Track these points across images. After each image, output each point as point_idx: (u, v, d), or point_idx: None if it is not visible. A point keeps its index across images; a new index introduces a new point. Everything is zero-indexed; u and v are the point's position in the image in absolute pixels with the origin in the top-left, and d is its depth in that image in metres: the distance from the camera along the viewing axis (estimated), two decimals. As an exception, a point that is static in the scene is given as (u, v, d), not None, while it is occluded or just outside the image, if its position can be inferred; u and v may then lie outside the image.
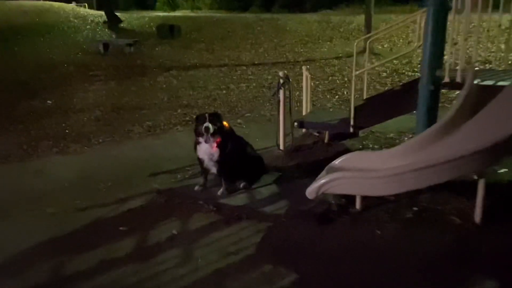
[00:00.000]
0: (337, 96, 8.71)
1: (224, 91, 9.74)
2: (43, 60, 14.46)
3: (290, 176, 4.72)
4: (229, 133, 4.28)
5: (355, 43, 5.10)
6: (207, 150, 4.17)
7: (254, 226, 3.65)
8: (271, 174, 4.71)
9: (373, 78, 10.08)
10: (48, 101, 9.24)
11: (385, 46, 14.08)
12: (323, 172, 4.12)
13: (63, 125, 7.43)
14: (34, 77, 11.81)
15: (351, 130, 5.09)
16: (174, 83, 10.96)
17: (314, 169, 4.92)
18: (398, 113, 4.90)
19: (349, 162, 4.05)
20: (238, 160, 4.27)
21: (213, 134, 4.07)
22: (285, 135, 5.49)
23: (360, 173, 3.64)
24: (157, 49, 16.40)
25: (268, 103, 8.34)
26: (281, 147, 5.51)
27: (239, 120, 7.29)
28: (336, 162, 4.15)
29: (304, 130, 6.00)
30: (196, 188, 4.40)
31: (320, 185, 3.63)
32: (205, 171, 4.39)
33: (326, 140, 5.69)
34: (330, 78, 10.62)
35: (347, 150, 5.40)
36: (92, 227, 3.80)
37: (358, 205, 3.82)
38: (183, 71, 12.43)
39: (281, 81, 5.30)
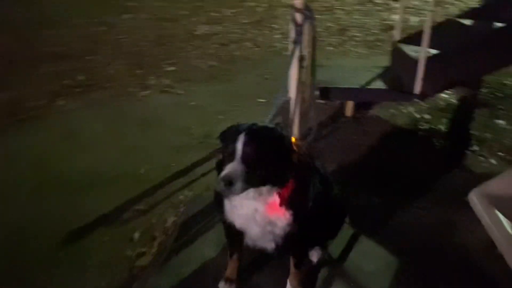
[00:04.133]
0: (280, 35, 6.35)
1: (103, 28, 6.48)
2: None
3: (358, 203, 2.53)
4: (307, 169, 1.76)
5: None
6: (259, 216, 1.65)
7: None
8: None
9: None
10: None
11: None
12: (477, 204, 2.08)
13: None
14: None
15: (416, 99, 3.03)
16: (14, 16, 7.09)
17: (378, 178, 2.83)
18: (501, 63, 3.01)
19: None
20: (319, 220, 1.84)
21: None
22: (301, 115, 3.16)
23: None
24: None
25: (190, 46, 5.61)
26: (296, 135, 3.19)
27: (167, 81, 4.52)
28: (497, 186, 2.12)
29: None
30: (222, 286, 1.91)
31: None
32: (237, 246, 1.89)
33: (350, 113, 3.54)
34: (245, 3, 8.08)
35: (394, 127, 3.39)
36: None
37: None
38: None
39: (300, 19, 2.84)
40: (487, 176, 2.77)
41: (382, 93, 3.12)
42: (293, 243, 1.75)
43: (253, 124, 1.62)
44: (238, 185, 1.47)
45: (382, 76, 3.29)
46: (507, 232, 1.92)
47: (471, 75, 3.11)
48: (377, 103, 3.62)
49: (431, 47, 3.14)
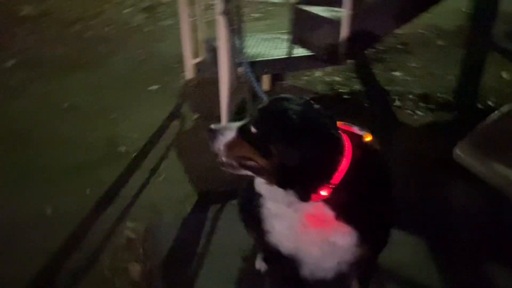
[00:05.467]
0: (129, 9, 5.45)
1: None
2: None
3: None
4: (375, 171, 1.26)
5: None
6: (311, 232, 1.21)
7: None
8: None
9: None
10: None
11: None
12: (471, 158, 2.05)
13: None
14: None
15: (344, 61, 2.88)
16: None
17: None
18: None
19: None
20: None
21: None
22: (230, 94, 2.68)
23: None
24: None
25: (23, 31, 4.36)
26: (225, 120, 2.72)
27: (14, 79, 3.39)
28: (484, 135, 2.10)
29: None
30: None
31: None
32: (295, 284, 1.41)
33: (268, 86, 3.21)
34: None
35: (318, 95, 3.21)
36: None
37: None
38: None
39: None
40: (428, 129, 2.86)
41: (310, 60, 2.86)
42: (363, 268, 1.38)
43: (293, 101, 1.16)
44: (217, 143, 1.17)
45: (297, 42, 3.03)
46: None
47: (385, 31, 3.09)
48: (288, 72, 3.36)
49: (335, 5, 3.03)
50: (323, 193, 1.13)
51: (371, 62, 3.74)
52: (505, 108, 2.15)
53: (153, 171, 2.41)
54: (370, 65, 3.69)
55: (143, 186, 2.29)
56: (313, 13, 2.99)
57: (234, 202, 2.11)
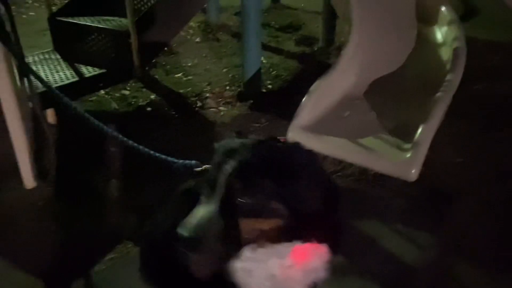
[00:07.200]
0: None
1: None
2: None
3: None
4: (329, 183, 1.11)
5: None
6: (299, 271, 1.05)
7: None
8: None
9: None
10: None
11: None
12: (305, 137, 2.26)
13: None
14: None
15: (138, 73, 2.65)
16: None
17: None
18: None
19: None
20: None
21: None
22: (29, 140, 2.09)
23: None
24: None
25: None
26: (29, 180, 2.12)
27: None
28: (309, 114, 2.33)
29: None
30: None
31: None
32: None
33: (54, 118, 2.63)
34: None
35: (119, 116, 2.88)
36: None
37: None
38: None
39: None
40: (240, 120, 2.94)
41: (104, 79, 2.51)
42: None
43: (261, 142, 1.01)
44: (205, 247, 0.91)
45: (76, 60, 2.60)
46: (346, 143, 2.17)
47: (172, 33, 2.99)
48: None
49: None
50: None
51: (149, 69, 3.57)
52: (313, 87, 2.42)
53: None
54: (151, 72, 3.53)
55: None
56: (90, 26, 2.62)
57: None
